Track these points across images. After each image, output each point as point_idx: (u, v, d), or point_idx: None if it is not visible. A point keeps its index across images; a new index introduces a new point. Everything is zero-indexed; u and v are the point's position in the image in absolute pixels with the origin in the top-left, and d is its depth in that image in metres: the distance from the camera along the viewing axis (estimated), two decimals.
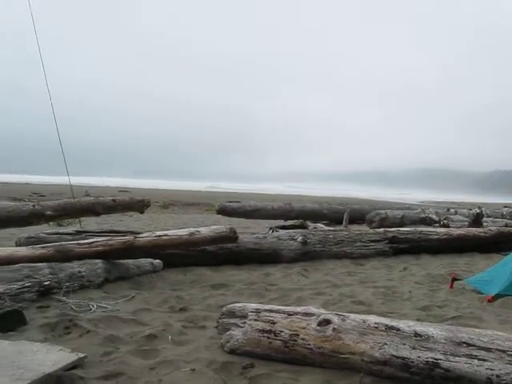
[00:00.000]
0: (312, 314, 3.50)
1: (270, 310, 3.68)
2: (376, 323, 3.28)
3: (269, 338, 3.51)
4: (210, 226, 6.73)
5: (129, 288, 5.78)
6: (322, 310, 3.63)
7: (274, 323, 3.53)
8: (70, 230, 7.80)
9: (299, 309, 3.64)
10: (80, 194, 15.83)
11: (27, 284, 4.82)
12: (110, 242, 6.08)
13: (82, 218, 11.87)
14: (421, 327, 3.19)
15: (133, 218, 16.73)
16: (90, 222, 12.70)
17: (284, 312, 3.61)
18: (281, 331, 3.47)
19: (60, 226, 12.31)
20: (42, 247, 5.94)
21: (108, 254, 6.01)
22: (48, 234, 7.20)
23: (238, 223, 13.89)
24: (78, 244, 6.07)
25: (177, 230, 6.79)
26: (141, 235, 6.33)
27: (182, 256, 6.97)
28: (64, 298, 4.97)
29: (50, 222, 10.93)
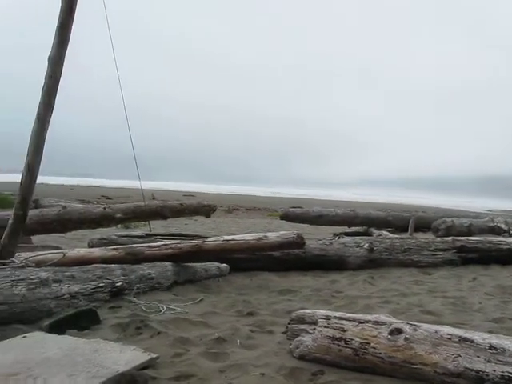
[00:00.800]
0: (383, 323, 3.46)
1: (340, 318, 3.65)
2: (449, 334, 3.21)
3: (339, 345, 3.49)
4: (278, 232, 6.76)
5: (196, 291, 5.86)
6: (393, 319, 3.58)
7: (345, 331, 3.51)
8: (140, 232, 7.98)
9: (370, 317, 3.61)
10: (146, 197, 16.08)
11: (101, 284, 4.97)
12: (179, 245, 6.20)
13: (144, 223, 12.11)
14: (496, 340, 3.10)
15: (198, 222, 16.90)
16: (156, 226, 12.90)
17: (354, 320, 3.58)
18: (351, 339, 3.45)
19: (127, 228, 12.56)
20: (114, 249, 6.10)
21: (177, 257, 6.12)
22: (119, 236, 7.39)
23: (301, 229, 13.81)
24: (149, 246, 6.21)
25: (244, 234, 6.86)
26: (209, 239, 6.41)
27: (248, 260, 7.02)
28: (135, 299, 5.09)
29: (118, 225, 11.18)
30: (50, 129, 5.16)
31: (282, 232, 6.70)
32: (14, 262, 4.79)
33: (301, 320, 3.88)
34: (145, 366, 3.36)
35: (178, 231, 9.82)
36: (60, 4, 5.11)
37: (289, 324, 3.97)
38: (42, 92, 5.04)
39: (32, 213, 7.14)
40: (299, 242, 6.46)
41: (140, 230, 11.44)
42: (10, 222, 5.08)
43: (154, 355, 3.51)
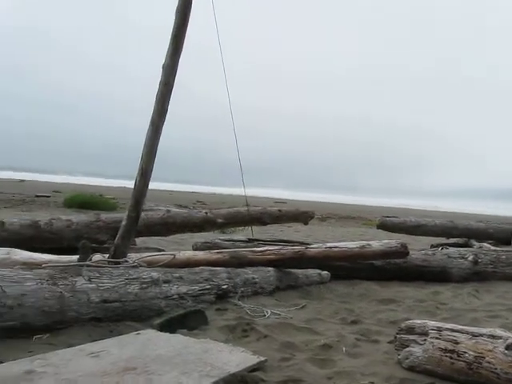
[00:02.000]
0: (499, 337, 3.34)
1: (452, 330, 3.56)
2: None
3: (451, 358, 3.40)
4: (381, 240, 6.68)
5: (298, 297, 5.88)
6: (510, 334, 3.46)
7: (457, 343, 3.41)
8: (242, 237, 8.10)
9: (484, 330, 3.49)
10: (241, 204, 16.24)
11: (207, 286, 5.09)
12: (281, 250, 6.24)
13: (242, 228, 12.26)
14: None
15: (292, 229, 16.93)
16: (257, 231, 13.01)
17: (467, 332, 3.48)
18: (464, 352, 3.35)
19: (223, 233, 12.75)
20: (218, 252, 6.23)
21: (279, 263, 6.17)
22: (223, 240, 7.57)
23: (397, 239, 13.53)
24: (252, 251, 6.29)
25: (347, 242, 6.83)
26: (311, 246, 6.43)
27: (348, 269, 6.95)
28: (239, 303, 5.17)
29: (215, 230, 11.36)
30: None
31: (385, 240, 6.61)
32: (127, 261, 4.99)
33: (410, 330, 3.81)
34: (254, 369, 3.40)
35: (274, 237, 9.86)
36: (174, 15, 5.32)
37: (397, 334, 3.90)
38: (156, 98, 5.26)
39: None
40: (403, 251, 6.34)
41: (236, 234, 11.61)
42: (123, 223, 5.30)
43: (263, 358, 3.55)
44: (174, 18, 5.35)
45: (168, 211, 8.74)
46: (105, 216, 8.27)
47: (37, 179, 42.07)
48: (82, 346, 3.62)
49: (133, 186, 5.37)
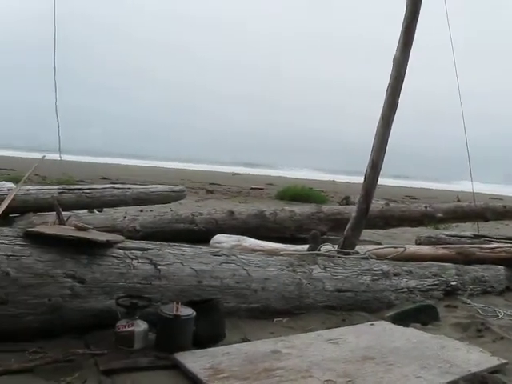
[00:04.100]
0: None
1: None
2: None
3: None
4: None
5: None
6: None
7: None
8: (468, 233, 7.87)
9: None
10: (450, 198, 15.63)
11: (436, 282, 5.01)
12: None
13: (456, 224, 11.79)
14: None
15: (508, 226, 15.94)
16: (465, 228, 12.48)
17: None
18: None
19: (436, 229, 12.37)
20: (444, 247, 6.11)
21: (510, 262, 5.87)
22: (447, 235, 7.41)
23: None
24: (480, 248, 6.08)
25: None
26: None
27: None
28: (469, 301, 5.01)
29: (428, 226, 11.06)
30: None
31: None
32: (357, 252, 5.09)
33: None
34: (494, 371, 3.29)
35: (499, 235, 9.37)
36: (405, 8, 5.29)
37: None
38: (387, 92, 5.29)
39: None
40: None
41: (451, 231, 11.19)
42: (353, 215, 5.42)
43: (504, 360, 3.41)
44: (404, 9, 5.32)
45: (387, 204, 8.77)
46: (326, 208, 8.51)
47: (249, 173, 44.11)
48: (320, 331, 3.78)
49: (361, 179, 5.46)
